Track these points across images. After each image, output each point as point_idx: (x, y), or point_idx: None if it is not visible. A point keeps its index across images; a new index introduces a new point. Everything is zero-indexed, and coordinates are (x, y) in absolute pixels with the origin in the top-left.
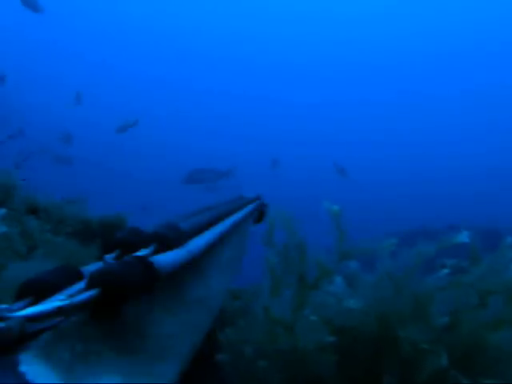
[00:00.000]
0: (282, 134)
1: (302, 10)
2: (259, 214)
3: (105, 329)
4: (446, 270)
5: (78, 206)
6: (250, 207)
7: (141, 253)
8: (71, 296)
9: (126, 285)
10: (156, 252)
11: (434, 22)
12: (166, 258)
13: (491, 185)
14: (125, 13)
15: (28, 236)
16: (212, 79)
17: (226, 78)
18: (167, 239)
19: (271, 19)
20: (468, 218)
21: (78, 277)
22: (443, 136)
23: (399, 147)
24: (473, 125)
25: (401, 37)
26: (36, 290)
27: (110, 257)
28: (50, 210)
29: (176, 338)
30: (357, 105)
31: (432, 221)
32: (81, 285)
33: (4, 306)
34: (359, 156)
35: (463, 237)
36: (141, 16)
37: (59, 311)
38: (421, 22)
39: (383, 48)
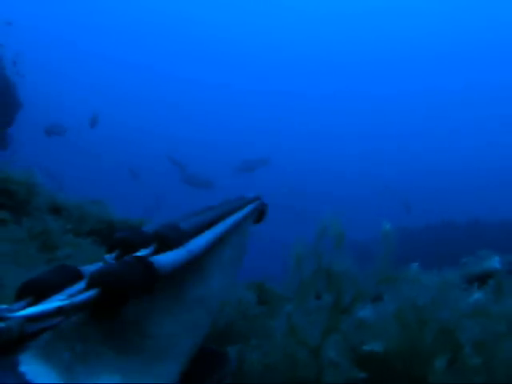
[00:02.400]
0: (276, 127)
1: (305, 5)
2: (259, 214)
3: (105, 329)
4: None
5: (101, 207)
6: (250, 207)
7: (141, 253)
8: (71, 296)
9: (126, 285)
10: (156, 252)
11: (442, 18)
12: (166, 258)
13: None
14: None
15: (49, 236)
16: (215, 73)
17: (228, 72)
18: (167, 239)
19: (269, 14)
20: (493, 210)
21: (78, 277)
22: (466, 128)
23: (420, 140)
24: (490, 118)
25: (407, 32)
26: (36, 290)
27: (110, 257)
28: (71, 209)
29: (176, 338)
30: (366, 99)
31: (455, 214)
32: (81, 285)
33: (4, 306)
34: (379, 148)
35: (494, 263)
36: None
37: (59, 311)
38: (428, 18)
39: (383, 43)
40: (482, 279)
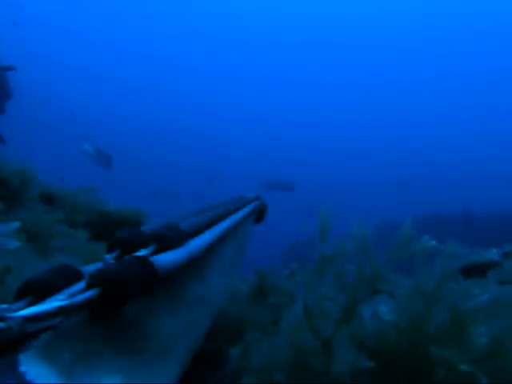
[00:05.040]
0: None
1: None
2: (259, 214)
3: (105, 329)
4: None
5: (94, 195)
6: (250, 207)
7: (141, 253)
8: (71, 296)
9: (126, 285)
10: (156, 252)
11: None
12: (166, 258)
13: (505, 168)
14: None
15: (42, 227)
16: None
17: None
18: (167, 239)
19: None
20: (483, 202)
21: (78, 277)
22: (455, 119)
23: (407, 129)
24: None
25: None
26: (36, 290)
27: (109, 257)
28: (65, 200)
29: (176, 338)
30: (355, 89)
31: (446, 205)
32: (81, 285)
33: (4, 306)
34: (370, 140)
35: (492, 254)
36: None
37: (59, 311)
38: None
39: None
40: (478, 271)
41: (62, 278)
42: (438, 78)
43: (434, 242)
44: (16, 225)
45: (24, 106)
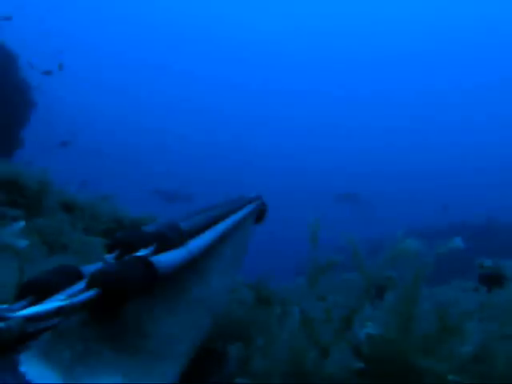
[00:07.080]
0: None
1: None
2: (260, 214)
3: (105, 329)
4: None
5: (111, 202)
6: (250, 207)
7: (141, 253)
8: (71, 296)
9: (126, 285)
10: (156, 252)
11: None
12: (167, 258)
13: None
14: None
15: (60, 234)
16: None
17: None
18: (167, 239)
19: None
20: (508, 211)
21: (78, 277)
22: (484, 127)
23: (438, 137)
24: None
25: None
26: (36, 290)
27: (110, 257)
28: (84, 208)
29: (176, 338)
30: (370, 97)
31: (471, 214)
32: (81, 285)
33: (4, 306)
34: (397, 146)
35: (457, 242)
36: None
37: (59, 311)
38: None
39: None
40: (493, 280)
41: (63, 278)
42: (458, 86)
43: (409, 242)
44: (21, 224)
45: (44, 114)
